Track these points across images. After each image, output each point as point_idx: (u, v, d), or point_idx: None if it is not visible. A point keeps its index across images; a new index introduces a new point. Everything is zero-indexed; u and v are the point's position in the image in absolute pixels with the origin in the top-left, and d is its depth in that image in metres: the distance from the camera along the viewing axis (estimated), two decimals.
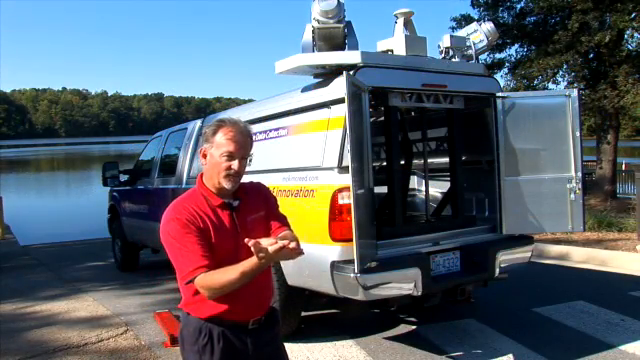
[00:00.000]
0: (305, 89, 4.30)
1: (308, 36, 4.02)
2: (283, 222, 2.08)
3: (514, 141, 4.39)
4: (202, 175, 2.00)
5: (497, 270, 4.16)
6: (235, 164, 1.90)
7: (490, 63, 13.28)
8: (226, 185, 1.91)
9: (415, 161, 5.12)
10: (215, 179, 1.92)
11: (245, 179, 2.03)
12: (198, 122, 6.27)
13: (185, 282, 1.83)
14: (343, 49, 4.01)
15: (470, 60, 4.58)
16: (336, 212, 3.60)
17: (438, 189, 5.26)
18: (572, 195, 4.35)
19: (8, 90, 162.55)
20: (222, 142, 1.89)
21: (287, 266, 3.98)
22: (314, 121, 4.03)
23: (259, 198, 2.07)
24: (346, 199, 3.51)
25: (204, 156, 1.96)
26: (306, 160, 4.01)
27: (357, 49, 3.92)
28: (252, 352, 1.96)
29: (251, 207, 2.01)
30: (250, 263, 1.71)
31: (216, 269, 1.80)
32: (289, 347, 4.01)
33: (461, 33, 4.80)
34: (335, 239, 3.60)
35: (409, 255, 3.88)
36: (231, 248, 1.90)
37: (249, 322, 1.96)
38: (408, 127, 5.19)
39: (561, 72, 13.01)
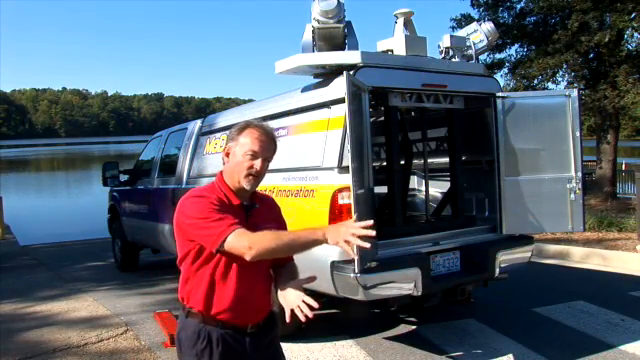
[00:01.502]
0: (305, 89, 4.30)
1: (308, 36, 4.01)
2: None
3: (514, 141, 4.39)
4: (222, 173, 1.99)
5: (497, 270, 4.16)
6: (257, 163, 1.89)
7: (490, 63, 13.26)
8: (245, 185, 1.91)
9: (415, 161, 5.12)
10: (235, 177, 1.91)
11: None
12: (198, 122, 6.27)
13: (216, 246, 1.76)
14: (343, 49, 4.01)
15: (470, 60, 4.58)
16: (336, 212, 3.59)
17: (438, 189, 5.26)
18: (572, 195, 4.35)
19: (8, 90, 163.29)
20: (246, 141, 1.90)
21: None
22: (314, 121, 4.03)
23: (272, 211, 2.09)
24: (346, 199, 3.51)
25: (227, 154, 1.96)
26: (306, 160, 4.01)
27: (357, 49, 3.92)
28: (251, 355, 1.94)
29: (264, 216, 2.00)
30: (308, 234, 1.76)
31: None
32: (289, 347, 4.04)
33: (461, 33, 4.80)
34: None
35: (409, 255, 3.88)
36: None
37: (248, 326, 1.94)
38: (408, 127, 5.19)
39: (561, 72, 12.99)
